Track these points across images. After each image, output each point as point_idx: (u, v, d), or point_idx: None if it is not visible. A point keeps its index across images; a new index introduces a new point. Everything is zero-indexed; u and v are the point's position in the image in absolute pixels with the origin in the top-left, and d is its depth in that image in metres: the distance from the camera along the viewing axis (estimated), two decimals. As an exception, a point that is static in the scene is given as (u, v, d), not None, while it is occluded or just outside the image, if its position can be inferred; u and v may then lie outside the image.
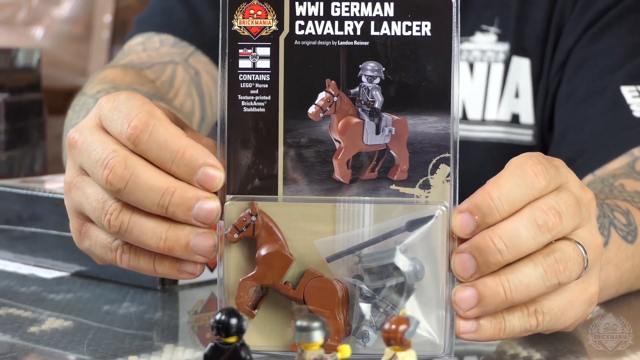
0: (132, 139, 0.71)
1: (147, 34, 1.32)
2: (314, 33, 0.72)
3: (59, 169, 1.50)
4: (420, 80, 0.71)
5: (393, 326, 0.60)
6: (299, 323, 0.60)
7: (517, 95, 1.22)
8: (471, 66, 1.23)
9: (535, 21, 1.21)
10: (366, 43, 0.72)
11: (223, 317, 0.61)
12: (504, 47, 1.22)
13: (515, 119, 1.23)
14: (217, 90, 0.76)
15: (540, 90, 1.21)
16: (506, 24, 1.22)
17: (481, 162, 1.22)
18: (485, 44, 1.23)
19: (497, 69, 1.23)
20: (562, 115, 1.19)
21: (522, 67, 1.22)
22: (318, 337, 0.60)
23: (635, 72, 1.15)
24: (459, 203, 0.71)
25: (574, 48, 1.19)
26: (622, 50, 1.17)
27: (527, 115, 1.22)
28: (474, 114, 1.23)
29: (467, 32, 1.23)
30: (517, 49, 1.22)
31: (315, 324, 0.60)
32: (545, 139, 1.22)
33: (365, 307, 0.71)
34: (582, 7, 1.20)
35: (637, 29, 1.18)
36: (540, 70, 1.21)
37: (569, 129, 1.17)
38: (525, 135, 1.23)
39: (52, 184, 1.11)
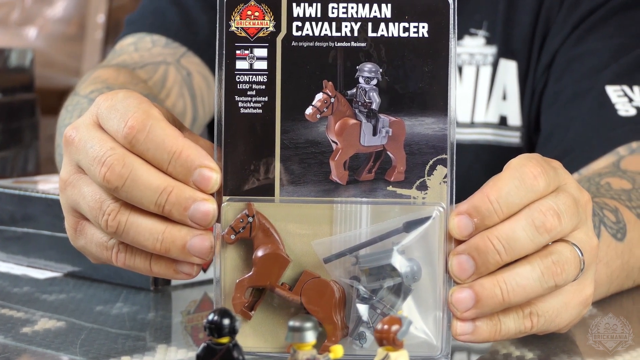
0: (129, 139, 0.71)
1: (139, 34, 1.32)
2: (311, 34, 0.72)
3: (52, 169, 1.50)
4: (417, 82, 0.71)
5: (385, 326, 0.60)
6: (291, 323, 0.60)
7: (504, 98, 1.23)
8: (460, 69, 1.23)
9: (522, 24, 1.22)
10: (363, 44, 0.72)
11: (216, 318, 0.61)
12: (492, 50, 1.23)
13: (503, 121, 1.23)
14: (214, 91, 0.76)
15: (527, 92, 1.22)
16: (494, 28, 1.23)
17: (470, 164, 1.22)
18: (474, 48, 1.23)
19: (485, 71, 1.23)
20: (548, 116, 1.19)
21: (509, 69, 1.22)
22: (310, 337, 0.60)
23: (620, 71, 1.16)
24: (456, 204, 0.71)
25: (560, 49, 1.20)
26: (607, 50, 1.17)
27: (515, 117, 1.23)
28: (462, 116, 1.24)
29: (457, 35, 1.23)
30: (504, 52, 1.22)
31: (308, 324, 0.60)
32: (533, 141, 1.23)
33: (362, 308, 0.71)
34: (568, 9, 1.20)
35: (622, 29, 1.19)
36: (526, 72, 1.22)
37: (555, 129, 1.17)
38: (513, 137, 1.23)
39: (45, 185, 1.10)
